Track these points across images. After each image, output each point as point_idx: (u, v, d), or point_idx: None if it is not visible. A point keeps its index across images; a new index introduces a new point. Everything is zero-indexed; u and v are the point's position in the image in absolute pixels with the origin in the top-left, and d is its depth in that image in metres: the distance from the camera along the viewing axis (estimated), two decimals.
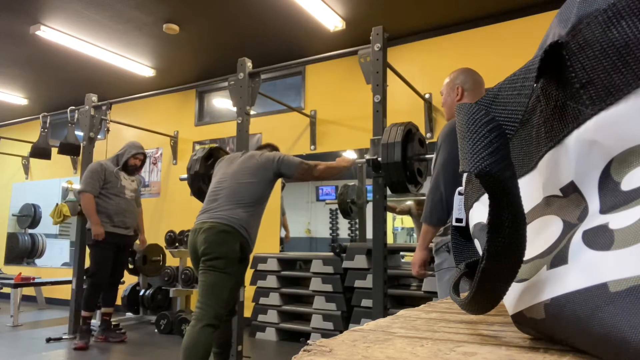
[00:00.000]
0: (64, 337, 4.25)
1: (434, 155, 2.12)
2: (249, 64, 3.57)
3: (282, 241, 5.22)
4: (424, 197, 4.19)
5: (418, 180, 2.68)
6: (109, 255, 4.04)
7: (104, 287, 4.14)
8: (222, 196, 2.50)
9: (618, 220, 0.22)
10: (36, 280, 5.55)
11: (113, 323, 4.35)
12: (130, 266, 5.06)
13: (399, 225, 5.11)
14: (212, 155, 3.41)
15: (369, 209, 3.93)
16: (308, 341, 0.30)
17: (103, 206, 4.02)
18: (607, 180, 0.24)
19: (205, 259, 2.38)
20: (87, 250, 4.14)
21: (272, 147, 2.94)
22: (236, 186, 2.51)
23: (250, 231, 2.49)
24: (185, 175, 3.41)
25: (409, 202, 4.61)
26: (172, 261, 5.24)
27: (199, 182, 3.32)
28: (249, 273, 4.13)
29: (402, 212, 4.80)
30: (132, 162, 4.22)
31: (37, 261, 7.57)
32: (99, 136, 4.81)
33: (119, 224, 4.08)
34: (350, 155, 4.66)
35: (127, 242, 4.21)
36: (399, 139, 2.55)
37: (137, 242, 4.52)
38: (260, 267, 4.42)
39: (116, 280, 4.24)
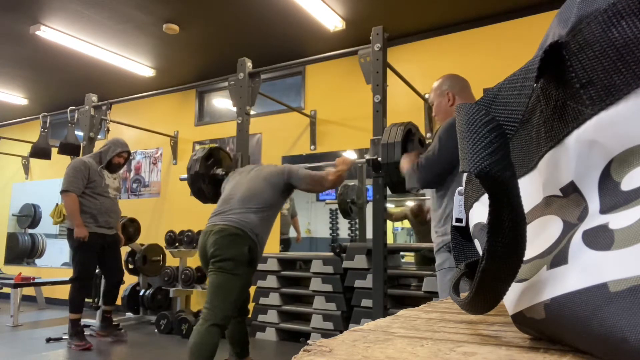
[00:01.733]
0: (64, 337, 4.25)
1: None
2: (249, 64, 3.57)
3: (291, 242, 5.23)
4: (422, 198, 4.19)
5: None
6: (94, 256, 3.94)
7: (90, 289, 4.11)
8: (234, 200, 2.56)
9: (618, 220, 0.22)
10: (36, 280, 5.55)
11: (113, 323, 4.35)
12: (130, 266, 5.06)
13: (399, 225, 5.11)
14: (212, 155, 3.41)
15: (369, 208, 3.93)
16: (308, 341, 0.30)
17: (87, 206, 3.88)
18: (607, 180, 0.24)
19: (214, 261, 2.44)
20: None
21: None
22: (249, 192, 2.57)
23: (260, 235, 2.55)
24: (185, 176, 3.42)
25: (404, 208, 4.61)
26: (172, 261, 5.24)
27: (199, 182, 3.33)
28: None
29: (399, 219, 4.78)
30: (117, 160, 4.10)
31: (37, 261, 7.57)
32: (99, 136, 4.81)
33: (103, 224, 3.97)
34: (350, 155, 4.66)
35: (110, 241, 4.07)
36: (399, 139, 2.55)
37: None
38: (260, 267, 4.42)
39: (117, 280, 4.19)
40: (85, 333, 3.99)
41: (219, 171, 3.43)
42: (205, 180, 3.36)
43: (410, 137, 2.65)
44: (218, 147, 3.53)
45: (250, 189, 2.58)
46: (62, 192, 3.87)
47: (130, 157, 4.45)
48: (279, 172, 2.65)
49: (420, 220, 4.41)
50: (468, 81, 2.29)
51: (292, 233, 5.34)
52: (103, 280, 4.28)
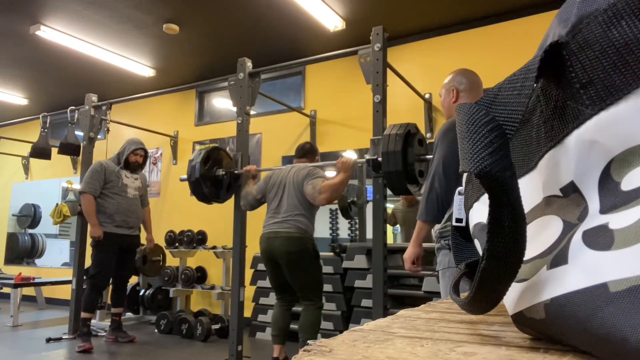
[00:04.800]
0: (64, 337, 4.25)
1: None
2: (249, 64, 3.57)
3: None
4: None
5: (419, 180, 2.68)
6: (111, 256, 3.96)
7: (104, 289, 4.10)
8: (285, 209, 2.98)
9: (618, 220, 0.22)
10: (36, 280, 5.55)
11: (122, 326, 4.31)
12: None
13: (399, 225, 5.10)
14: (210, 157, 3.40)
15: (369, 208, 3.93)
16: (308, 341, 0.30)
17: (104, 206, 3.94)
18: (607, 180, 0.24)
19: (291, 264, 2.91)
20: (89, 251, 4.08)
21: (312, 153, 3.29)
22: (295, 199, 2.97)
23: (312, 232, 3.04)
24: (185, 176, 3.41)
25: (388, 210, 4.56)
26: (172, 261, 5.24)
27: (201, 188, 3.33)
28: (248, 273, 4.13)
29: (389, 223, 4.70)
30: (133, 158, 4.12)
31: (37, 261, 7.57)
32: (99, 136, 4.81)
33: (121, 223, 3.99)
34: (350, 155, 4.65)
35: (130, 242, 4.10)
36: (399, 140, 2.56)
37: (145, 241, 4.46)
38: (260, 267, 4.42)
39: (124, 280, 4.19)
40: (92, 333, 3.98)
41: (220, 172, 3.43)
42: (207, 184, 3.36)
43: (410, 137, 2.64)
44: (215, 148, 3.51)
45: (295, 197, 2.97)
46: (80, 193, 3.97)
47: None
48: (305, 177, 2.98)
49: (410, 202, 4.38)
50: (480, 78, 2.26)
51: None
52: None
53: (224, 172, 3.43)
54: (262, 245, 3.00)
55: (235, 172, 3.44)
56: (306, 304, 3.00)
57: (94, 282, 3.91)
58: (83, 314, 3.92)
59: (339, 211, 4.70)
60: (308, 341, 0.30)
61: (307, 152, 3.27)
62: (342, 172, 2.88)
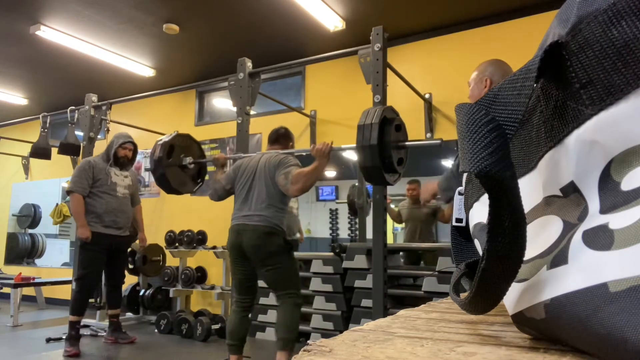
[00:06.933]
0: (64, 337, 4.23)
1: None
2: (249, 64, 3.57)
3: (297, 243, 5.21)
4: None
5: (397, 169, 2.44)
6: (99, 257, 3.80)
7: (93, 290, 3.99)
8: (254, 201, 2.78)
9: (618, 220, 0.22)
10: (36, 280, 5.56)
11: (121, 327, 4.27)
12: (130, 266, 5.05)
13: (399, 225, 5.11)
14: (174, 147, 3.33)
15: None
16: (308, 341, 0.30)
17: (93, 205, 3.78)
18: (607, 180, 0.24)
19: (261, 261, 2.73)
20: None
21: (286, 138, 3.07)
22: (264, 191, 2.77)
23: (288, 224, 2.89)
24: (150, 167, 3.35)
25: (394, 208, 4.54)
26: (172, 261, 5.24)
27: (167, 182, 3.26)
28: None
29: (395, 219, 4.68)
30: (122, 152, 3.94)
31: (37, 261, 7.57)
32: (99, 136, 4.81)
33: (110, 223, 3.83)
34: (350, 155, 4.64)
35: (119, 242, 3.95)
36: (374, 132, 2.33)
37: (137, 241, 4.36)
38: None
39: (117, 282, 4.10)
40: (86, 333, 3.93)
41: (187, 160, 3.38)
42: (173, 175, 3.27)
43: (386, 121, 2.44)
44: (179, 135, 3.39)
45: (265, 187, 2.77)
46: (68, 192, 3.82)
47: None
48: (277, 166, 2.77)
49: (414, 200, 4.35)
50: (511, 68, 2.16)
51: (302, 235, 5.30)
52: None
53: (190, 161, 3.39)
54: (231, 238, 2.80)
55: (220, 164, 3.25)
56: (283, 297, 2.80)
57: (82, 284, 3.76)
58: (71, 317, 3.74)
59: (338, 211, 4.70)
60: (308, 342, 0.30)
61: (280, 136, 3.05)
62: (317, 160, 2.67)
